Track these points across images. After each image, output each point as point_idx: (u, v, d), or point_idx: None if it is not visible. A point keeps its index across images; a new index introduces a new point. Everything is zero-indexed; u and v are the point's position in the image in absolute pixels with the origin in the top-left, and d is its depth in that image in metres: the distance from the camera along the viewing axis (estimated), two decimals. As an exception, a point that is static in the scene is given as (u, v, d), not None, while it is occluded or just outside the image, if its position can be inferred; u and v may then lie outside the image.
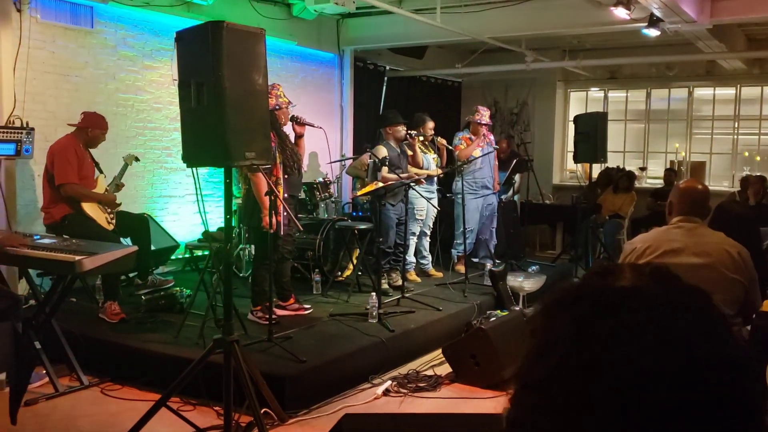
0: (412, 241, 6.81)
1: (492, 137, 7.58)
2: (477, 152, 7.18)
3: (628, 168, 10.17)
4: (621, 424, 0.60)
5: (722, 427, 0.61)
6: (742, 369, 0.63)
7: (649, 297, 0.67)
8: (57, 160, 5.08)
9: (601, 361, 0.62)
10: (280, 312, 5.24)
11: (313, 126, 5.39)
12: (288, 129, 5.33)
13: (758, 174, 9.05)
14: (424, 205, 6.73)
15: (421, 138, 6.68)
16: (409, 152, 6.54)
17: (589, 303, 0.68)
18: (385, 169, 6.00)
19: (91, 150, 5.40)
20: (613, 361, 0.62)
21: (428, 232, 7.14)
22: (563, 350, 0.65)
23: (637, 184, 9.90)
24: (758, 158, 9.99)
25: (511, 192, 8.97)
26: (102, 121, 5.38)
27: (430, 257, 7.22)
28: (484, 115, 7.34)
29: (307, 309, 5.45)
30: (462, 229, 7.13)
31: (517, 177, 9.19)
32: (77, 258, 3.80)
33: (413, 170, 6.55)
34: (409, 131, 6.46)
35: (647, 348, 0.62)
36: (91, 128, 5.29)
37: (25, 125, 5.49)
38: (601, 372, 0.62)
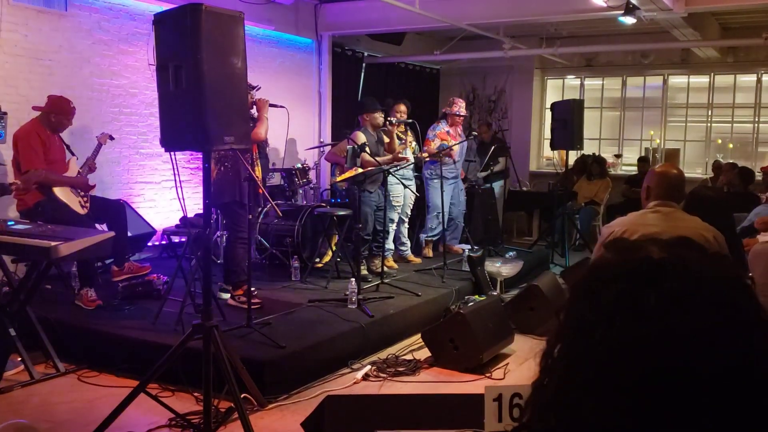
0: (392, 228, 6.81)
1: (460, 129, 7.55)
2: (456, 147, 7.18)
3: (603, 155, 10.27)
4: (681, 387, 0.61)
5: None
6: None
7: (689, 266, 0.68)
8: (21, 147, 4.96)
9: (656, 331, 0.63)
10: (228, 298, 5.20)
11: (276, 106, 5.26)
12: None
13: (730, 161, 9.19)
14: (401, 192, 6.71)
15: (397, 124, 6.55)
16: (386, 139, 6.50)
17: (629, 277, 0.68)
18: (365, 154, 5.96)
19: (62, 134, 5.29)
20: (667, 330, 0.63)
21: (406, 219, 7.14)
22: (615, 325, 0.65)
23: (612, 171, 10.01)
24: (731, 146, 10.15)
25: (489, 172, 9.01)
26: (66, 105, 5.16)
27: (409, 243, 7.24)
28: (461, 106, 7.32)
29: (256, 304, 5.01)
30: (435, 213, 7.14)
31: (499, 162, 9.25)
32: (53, 244, 3.74)
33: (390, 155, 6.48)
34: (388, 119, 6.43)
35: (699, 314, 0.63)
36: (54, 114, 5.11)
37: (-3, 109, 5.39)
38: (658, 341, 0.63)
